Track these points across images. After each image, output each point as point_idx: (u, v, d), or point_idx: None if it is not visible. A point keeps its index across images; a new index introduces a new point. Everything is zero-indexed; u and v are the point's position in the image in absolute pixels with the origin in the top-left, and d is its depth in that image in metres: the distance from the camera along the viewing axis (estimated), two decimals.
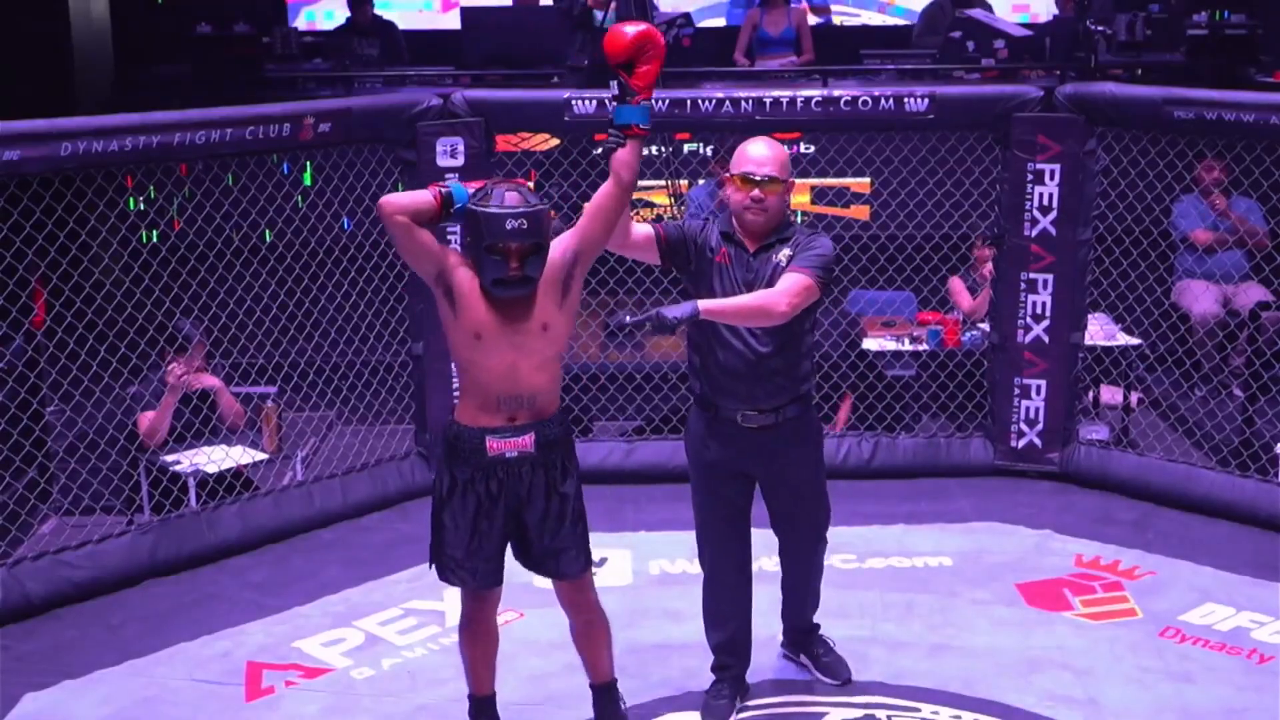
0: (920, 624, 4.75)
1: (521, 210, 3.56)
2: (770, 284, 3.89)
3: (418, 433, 6.06)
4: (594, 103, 5.82)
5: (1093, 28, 8.04)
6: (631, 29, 3.70)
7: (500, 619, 4.81)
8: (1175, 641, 4.66)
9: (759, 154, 3.95)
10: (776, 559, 4.35)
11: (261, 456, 5.79)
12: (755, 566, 4.26)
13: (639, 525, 5.63)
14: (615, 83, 3.73)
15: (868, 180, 7.91)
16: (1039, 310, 5.91)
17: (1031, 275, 5.88)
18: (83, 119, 5.11)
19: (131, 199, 7.10)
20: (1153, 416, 6.59)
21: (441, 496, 3.77)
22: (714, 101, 5.84)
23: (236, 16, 8.97)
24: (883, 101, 5.77)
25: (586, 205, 3.77)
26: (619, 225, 3.81)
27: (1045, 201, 5.80)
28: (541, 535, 3.79)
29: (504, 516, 3.75)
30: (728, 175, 4.02)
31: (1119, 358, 6.47)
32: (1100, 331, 6.40)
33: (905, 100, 5.78)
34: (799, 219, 8.15)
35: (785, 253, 3.93)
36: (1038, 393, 5.98)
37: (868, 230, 7.87)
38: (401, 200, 3.59)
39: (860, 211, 8.07)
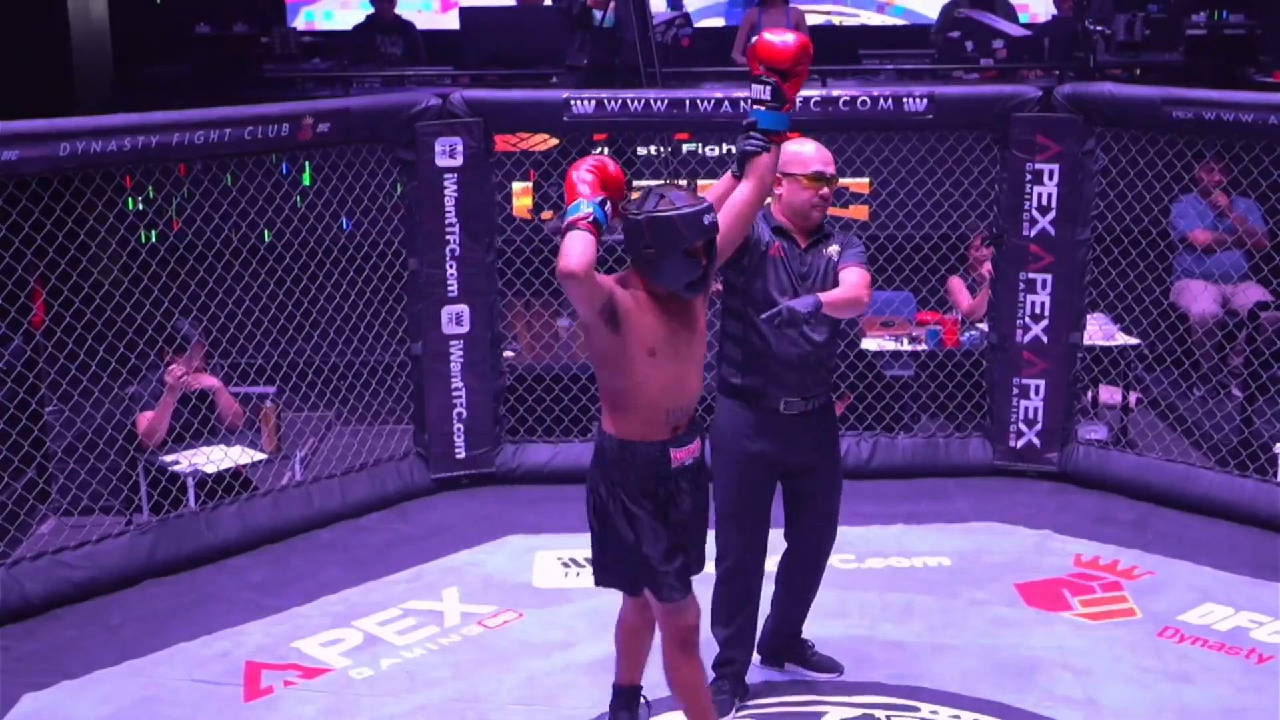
0: (919, 624, 4.75)
1: (707, 203, 3.57)
2: (826, 277, 4.06)
3: (416, 433, 6.06)
4: (592, 103, 5.82)
5: (1091, 28, 8.05)
6: (793, 38, 3.78)
7: (498, 619, 4.85)
8: (1174, 641, 4.66)
9: (823, 154, 4.08)
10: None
11: (260, 456, 5.79)
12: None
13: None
14: (766, 88, 3.74)
15: (867, 180, 7.90)
16: (1038, 310, 5.91)
17: (1030, 275, 5.88)
18: (81, 119, 5.11)
19: (130, 199, 7.10)
20: (1151, 416, 6.59)
21: (613, 512, 3.73)
22: (713, 101, 5.84)
23: (235, 16, 8.97)
24: (881, 101, 5.77)
25: (724, 207, 3.74)
26: None
27: (1044, 201, 5.80)
28: (688, 530, 3.77)
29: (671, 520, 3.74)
30: (785, 175, 4.03)
31: (1118, 358, 6.47)
32: (1099, 331, 6.40)
33: (904, 100, 5.78)
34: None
35: (834, 248, 4.12)
36: (1036, 393, 5.98)
37: (866, 230, 7.86)
38: (583, 257, 3.41)
39: (859, 211, 8.06)
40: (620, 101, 5.85)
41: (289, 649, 4.66)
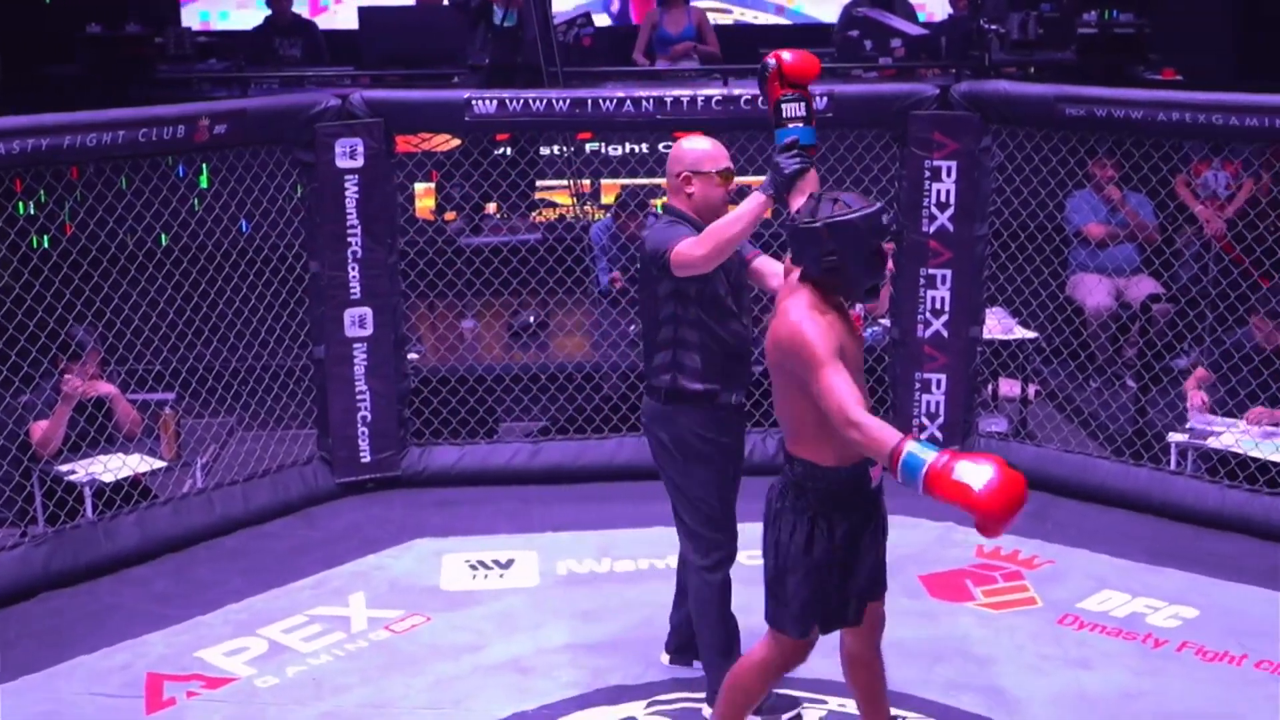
0: None
1: (881, 203, 3.47)
2: (741, 268, 4.09)
3: (320, 437, 5.99)
4: (494, 103, 5.80)
5: (986, 27, 8.18)
6: (806, 53, 3.85)
7: (406, 624, 4.81)
8: (1074, 629, 4.75)
9: (723, 149, 4.12)
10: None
11: (160, 464, 5.69)
12: (664, 564, 4.27)
13: (545, 526, 5.62)
14: (799, 105, 3.81)
15: (769, 178, 7.95)
16: (938, 305, 5.99)
17: (930, 271, 5.96)
18: None
19: (20, 203, 6.93)
20: (1049, 408, 6.70)
21: (818, 548, 3.54)
22: (615, 101, 5.85)
23: (128, 16, 8.80)
24: None
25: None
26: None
27: (942, 198, 5.88)
28: (875, 550, 3.68)
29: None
30: (695, 174, 4.04)
31: (1016, 351, 6.58)
32: (998, 325, 6.50)
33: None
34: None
35: None
36: (938, 387, 6.06)
37: (769, 228, 7.91)
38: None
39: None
40: (522, 101, 5.83)
41: (192, 659, 4.59)
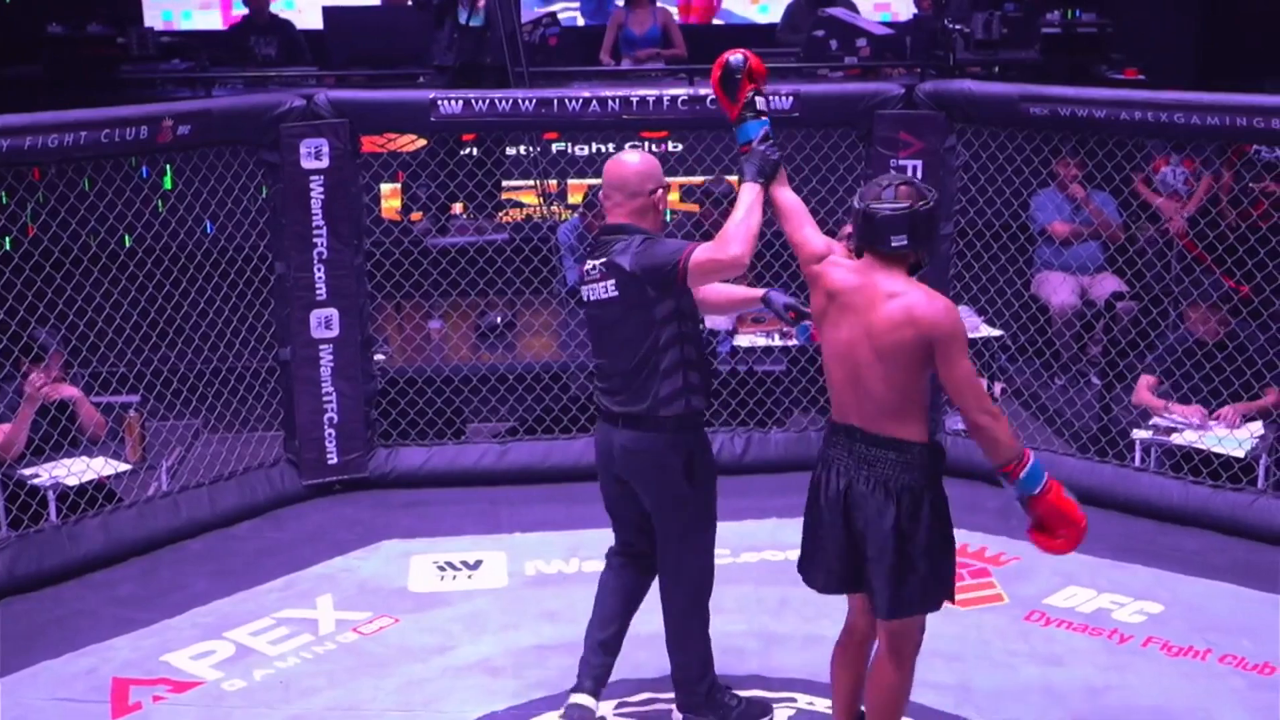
0: (794, 616, 4.80)
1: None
2: None
3: (287, 439, 5.96)
4: (460, 103, 5.79)
5: (950, 26, 8.22)
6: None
7: (374, 625, 4.80)
8: (1040, 625, 4.78)
9: None
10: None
11: (124, 467, 5.65)
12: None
13: (514, 526, 5.61)
14: (766, 99, 3.92)
15: (735, 178, 7.95)
16: None
17: None
18: None
19: None
20: (1015, 405, 6.74)
21: (945, 519, 3.65)
22: (581, 101, 5.85)
23: (90, 16, 8.73)
24: None
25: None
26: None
27: None
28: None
29: None
30: (665, 186, 4.04)
31: (982, 349, 6.60)
32: (964, 324, 6.52)
33: (770, 98, 5.82)
34: (667, 217, 8.20)
35: None
36: None
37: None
38: None
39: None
40: (488, 101, 5.82)
41: (158, 663, 4.56)
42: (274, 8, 9.63)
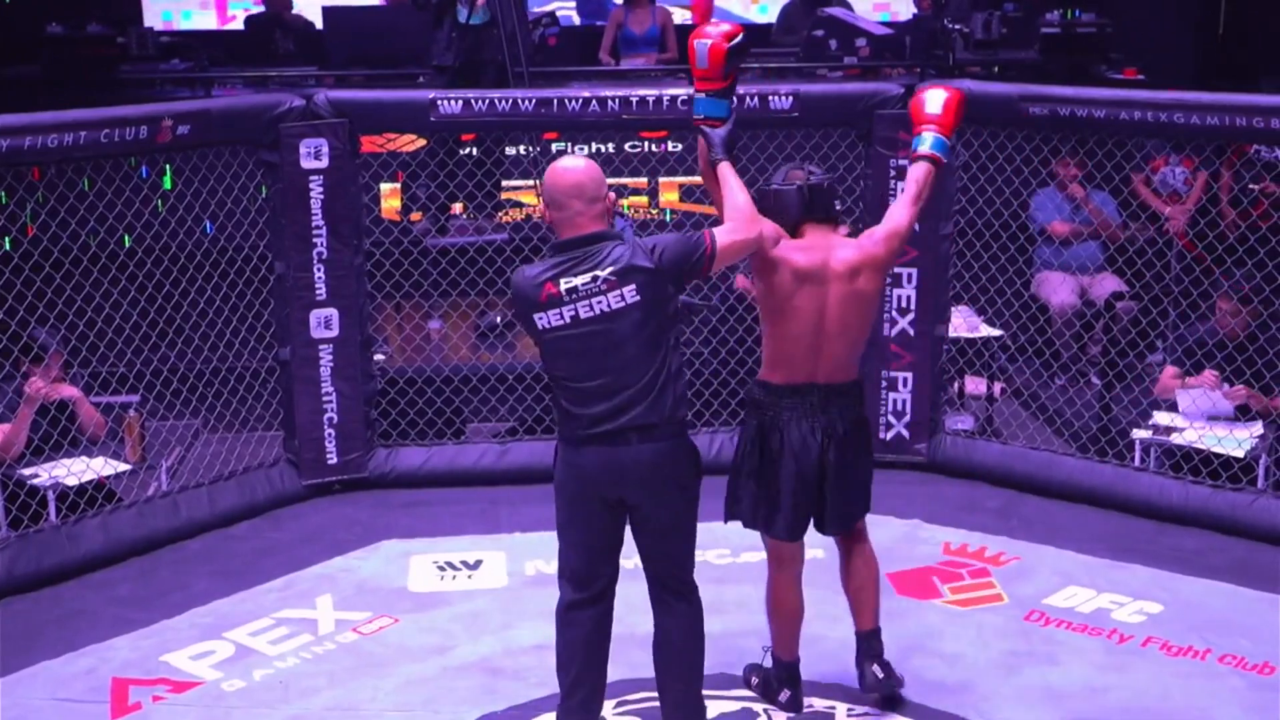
0: None
1: None
2: None
3: (286, 439, 5.96)
4: (459, 103, 5.79)
5: (950, 26, 8.22)
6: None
7: (374, 625, 4.80)
8: (1040, 625, 4.78)
9: None
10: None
11: (124, 467, 5.64)
12: (632, 564, 4.24)
13: (513, 527, 5.61)
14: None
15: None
16: (904, 304, 6.01)
17: (896, 269, 5.97)
18: None
19: None
20: (1015, 406, 6.74)
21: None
22: (581, 101, 5.84)
23: (89, 16, 8.73)
24: (748, 100, 5.82)
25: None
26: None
27: None
28: None
29: None
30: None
31: (982, 349, 6.61)
32: (963, 324, 6.53)
33: (770, 98, 5.85)
34: (668, 217, 8.21)
35: None
36: (904, 385, 6.09)
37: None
38: None
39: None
40: (487, 101, 5.82)
41: (158, 663, 4.56)
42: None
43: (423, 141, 7.38)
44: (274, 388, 6.00)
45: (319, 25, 9.37)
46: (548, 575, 5.15)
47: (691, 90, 3.99)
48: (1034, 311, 6.44)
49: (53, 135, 5.01)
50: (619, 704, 4.26)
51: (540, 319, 3.68)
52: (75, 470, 5.45)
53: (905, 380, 6.07)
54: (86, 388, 5.84)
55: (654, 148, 8.02)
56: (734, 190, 3.85)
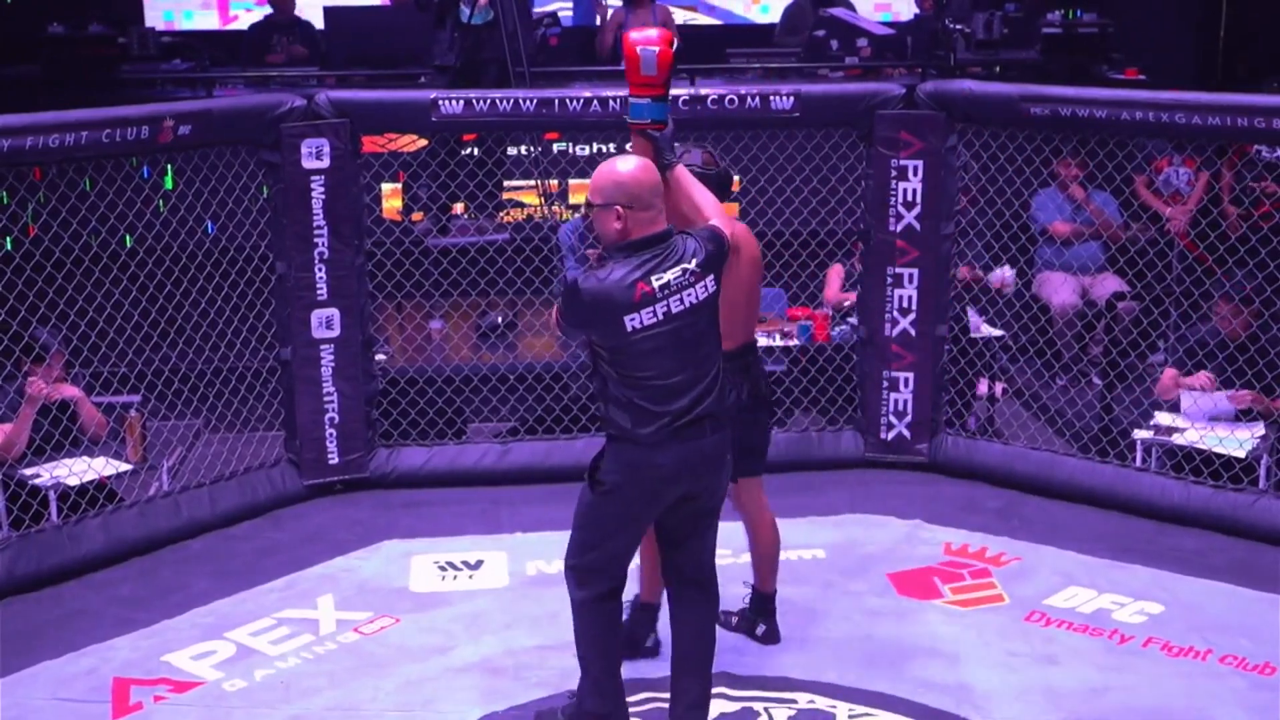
0: (795, 616, 4.80)
1: None
2: None
3: (287, 439, 5.96)
4: (460, 103, 5.79)
5: (951, 26, 8.22)
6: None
7: (375, 625, 4.80)
8: (1040, 625, 4.78)
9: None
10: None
11: (125, 467, 5.65)
12: (633, 564, 4.25)
13: (515, 527, 5.61)
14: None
15: (736, 178, 7.96)
16: (905, 304, 6.01)
17: (897, 270, 5.98)
18: None
19: None
20: (1016, 406, 6.74)
21: None
22: (582, 101, 5.84)
23: (90, 16, 8.73)
24: (749, 100, 5.83)
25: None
26: None
27: (909, 197, 5.90)
28: None
29: None
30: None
31: (983, 349, 6.61)
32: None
33: (771, 98, 5.85)
34: None
35: None
36: (906, 385, 6.09)
37: None
38: None
39: (729, 209, 8.11)
40: (489, 101, 5.82)
41: (159, 663, 4.56)
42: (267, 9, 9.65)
43: (424, 141, 7.39)
44: (275, 388, 6.00)
45: (319, 25, 9.38)
46: (549, 575, 5.16)
47: (628, 95, 3.97)
48: (1035, 312, 6.44)
49: (54, 135, 5.01)
50: None
51: (632, 320, 3.65)
52: (76, 470, 5.45)
53: (906, 380, 6.07)
54: (88, 388, 5.84)
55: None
56: (700, 188, 3.96)
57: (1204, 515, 5.53)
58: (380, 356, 6.33)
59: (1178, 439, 5.77)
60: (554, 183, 7.75)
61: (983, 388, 6.71)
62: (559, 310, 3.75)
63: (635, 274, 3.66)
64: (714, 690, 4.06)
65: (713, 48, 9.32)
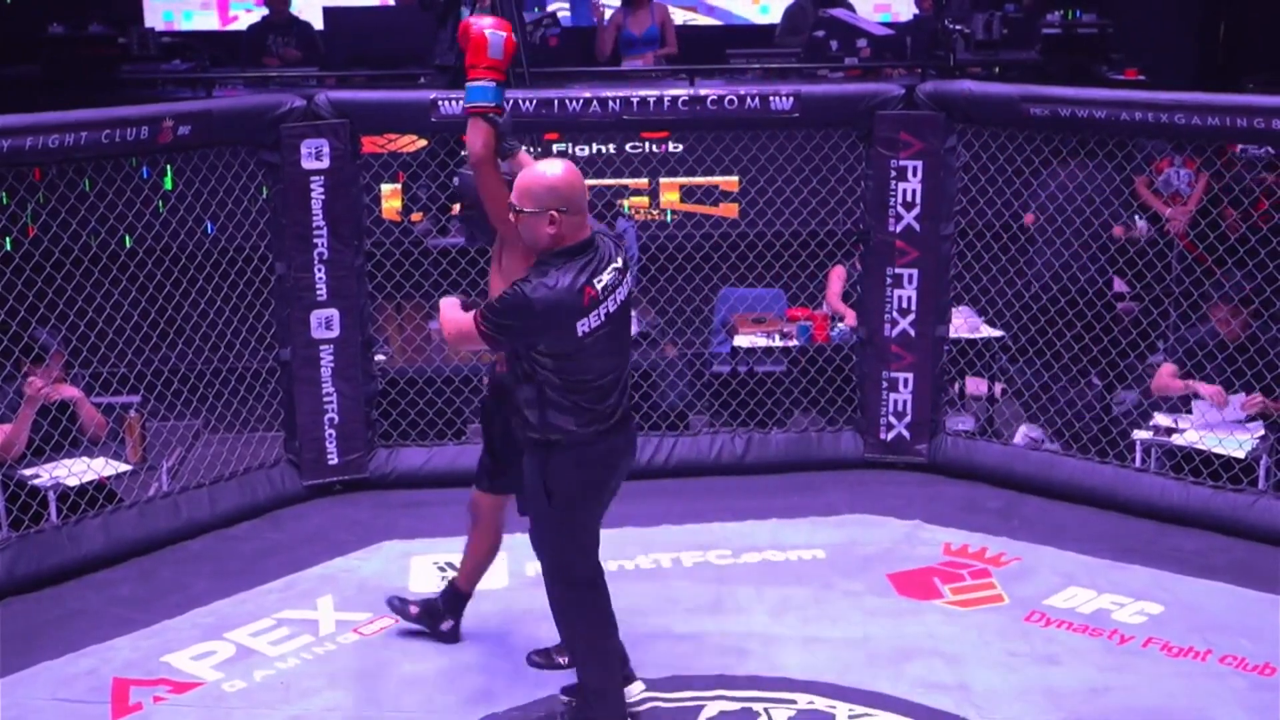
0: (795, 616, 4.80)
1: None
2: None
3: (287, 440, 5.96)
4: (459, 103, 5.78)
5: (951, 27, 8.22)
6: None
7: (374, 626, 4.80)
8: (1040, 625, 4.78)
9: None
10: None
11: (125, 468, 5.65)
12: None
13: (514, 527, 5.58)
14: None
15: (736, 179, 7.98)
16: (905, 304, 6.01)
17: (897, 270, 5.98)
18: None
19: None
20: (1015, 406, 6.74)
21: None
22: (581, 101, 5.85)
23: (90, 17, 8.74)
24: (749, 100, 5.83)
25: None
26: None
27: (908, 198, 5.91)
28: None
29: None
30: None
31: (982, 349, 6.61)
32: (964, 324, 6.54)
33: (770, 99, 5.85)
34: (668, 217, 8.21)
35: None
36: (905, 386, 6.09)
37: (736, 228, 7.95)
38: None
39: (729, 209, 8.14)
40: None
41: (158, 664, 4.56)
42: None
43: (424, 142, 7.38)
44: (275, 388, 6.00)
45: (319, 25, 9.38)
46: None
47: (469, 81, 4.03)
48: (1035, 312, 6.44)
49: (54, 136, 5.01)
50: None
51: (583, 325, 3.69)
52: (76, 470, 5.45)
53: (906, 381, 6.07)
54: (87, 388, 5.84)
55: (655, 148, 8.03)
56: None
57: (1204, 516, 5.53)
58: (380, 357, 6.32)
59: (1177, 439, 5.77)
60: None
61: (983, 388, 6.72)
62: (490, 322, 3.70)
63: (580, 278, 3.69)
64: (714, 691, 4.07)
65: (713, 48, 9.33)
